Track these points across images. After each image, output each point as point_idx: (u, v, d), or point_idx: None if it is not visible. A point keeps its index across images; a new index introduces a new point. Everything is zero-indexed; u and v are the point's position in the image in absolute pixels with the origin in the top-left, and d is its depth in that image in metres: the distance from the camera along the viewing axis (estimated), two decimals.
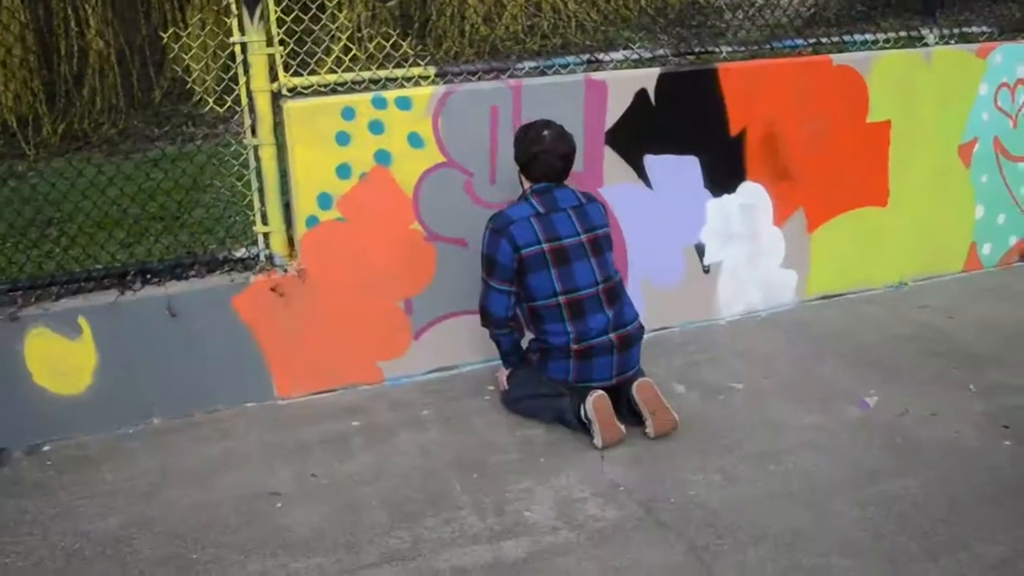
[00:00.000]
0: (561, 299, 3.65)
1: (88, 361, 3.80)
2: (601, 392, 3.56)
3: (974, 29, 5.19)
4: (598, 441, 3.53)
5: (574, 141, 3.79)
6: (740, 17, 7.68)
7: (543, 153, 3.71)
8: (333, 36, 4.05)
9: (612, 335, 3.66)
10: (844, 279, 4.99)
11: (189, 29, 5.36)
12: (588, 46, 7.19)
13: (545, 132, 3.72)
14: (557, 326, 3.67)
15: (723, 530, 3.07)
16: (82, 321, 3.76)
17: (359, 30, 6.54)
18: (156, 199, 4.59)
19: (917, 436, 3.60)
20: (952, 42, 5.00)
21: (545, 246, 3.66)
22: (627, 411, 3.67)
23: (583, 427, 3.60)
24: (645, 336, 4.47)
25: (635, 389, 3.61)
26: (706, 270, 4.66)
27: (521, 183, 3.86)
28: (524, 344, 3.90)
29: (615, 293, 3.75)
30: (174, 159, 4.38)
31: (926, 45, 4.93)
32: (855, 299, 4.96)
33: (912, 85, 4.84)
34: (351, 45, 4.03)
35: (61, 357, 3.76)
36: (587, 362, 3.64)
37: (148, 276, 3.93)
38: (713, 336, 4.58)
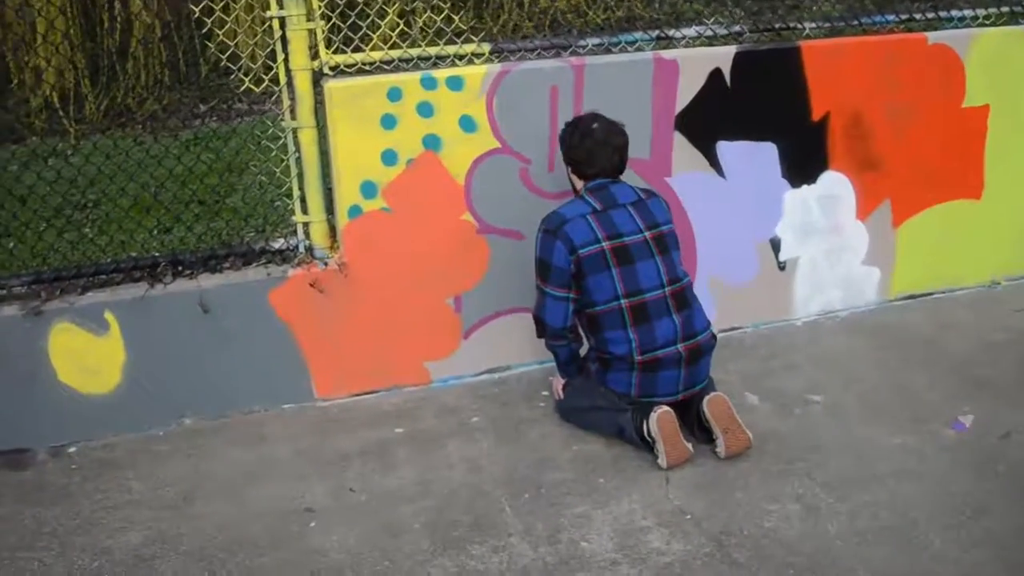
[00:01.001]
0: (624, 303, 3.31)
1: (116, 358, 3.56)
2: (666, 408, 3.23)
3: None
4: (663, 461, 3.21)
5: (626, 133, 3.45)
6: None
7: (597, 147, 3.39)
8: (379, 10, 3.72)
9: (680, 346, 3.32)
10: (931, 278, 4.56)
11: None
12: (654, 20, 6.80)
13: (595, 125, 3.42)
14: (618, 333, 3.32)
15: (803, 571, 2.73)
16: (109, 316, 3.51)
17: (408, 3, 6.23)
18: (191, 183, 4.34)
19: (1021, 464, 3.21)
20: None
21: (605, 245, 3.32)
22: (696, 427, 3.34)
23: (646, 445, 3.27)
24: None
25: (706, 404, 3.27)
26: (781, 267, 4.28)
27: (572, 184, 3.55)
28: (582, 352, 3.57)
29: (684, 298, 3.40)
30: (215, 137, 4.13)
31: None
32: (943, 300, 4.54)
33: (1014, 66, 4.38)
34: (398, 20, 3.70)
35: (87, 354, 3.53)
36: (651, 375, 3.31)
37: (180, 268, 3.67)
38: (788, 339, 4.21)
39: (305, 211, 3.73)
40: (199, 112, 6.04)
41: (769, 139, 4.10)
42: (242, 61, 3.62)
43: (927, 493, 3.08)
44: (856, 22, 4.27)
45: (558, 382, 3.65)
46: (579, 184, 3.47)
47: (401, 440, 3.53)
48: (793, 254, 4.28)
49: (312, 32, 3.54)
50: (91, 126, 5.75)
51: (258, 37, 3.61)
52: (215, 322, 3.62)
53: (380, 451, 3.46)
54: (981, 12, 4.39)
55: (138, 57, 6.11)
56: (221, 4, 3.53)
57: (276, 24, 3.53)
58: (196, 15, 3.53)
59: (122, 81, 6.11)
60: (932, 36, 4.22)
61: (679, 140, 3.97)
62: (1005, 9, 4.43)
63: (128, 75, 6.13)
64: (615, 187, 3.42)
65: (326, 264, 3.69)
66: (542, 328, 3.47)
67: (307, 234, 3.76)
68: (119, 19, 6.08)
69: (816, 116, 4.12)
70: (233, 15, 3.57)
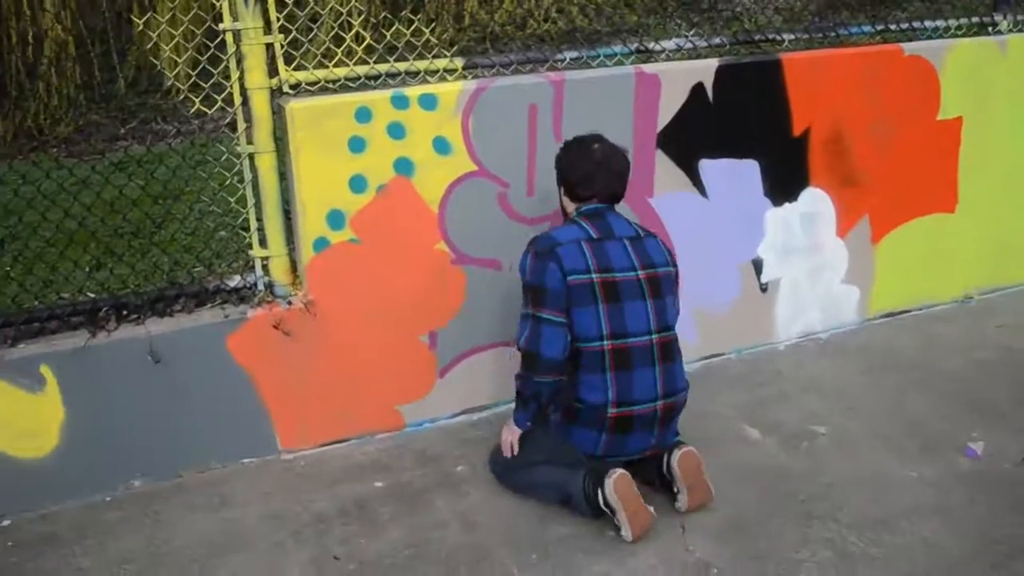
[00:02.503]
0: (607, 344, 2.96)
1: (54, 418, 3.13)
2: (622, 472, 2.87)
3: None
4: (627, 534, 2.86)
5: (628, 160, 3.17)
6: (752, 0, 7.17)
7: (595, 169, 3.08)
8: (343, 22, 3.40)
9: (659, 403, 2.99)
10: (909, 294, 4.46)
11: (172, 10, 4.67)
12: (595, 31, 6.62)
13: (596, 145, 3.11)
14: (596, 377, 2.97)
15: None
16: (45, 370, 3.09)
17: (355, 16, 5.91)
18: (121, 209, 3.91)
19: None
20: None
21: (595, 277, 2.98)
22: (657, 478, 3.05)
23: (594, 513, 2.92)
24: (697, 365, 3.97)
25: (677, 460, 2.97)
26: (763, 288, 4.10)
27: (563, 208, 3.23)
28: None
29: (670, 350, 3.07)
30: (142, 162, 3.71)
31: (999, 32, 4.40)
32: (922, 316, 4.44)
33: (986, 77, 4.31)
34: (364, 33, 3.38)
35: (21, 414, 3.09)
36: (622, 436, 2.97)
37: (124, 312, 3.27)
38: (774, 364, 4.02)
39: (264, 245, 3.38)
40: (119, 134, 5.57)
41: (751, 156, 3.92)
42: (189, 78, 3.24)
43: (957, 530, 2.90)
44: (834, 33, 4.12)
45: (511, 433, 3.17)
46: (571, 207, 3.17)
47: (382, 496, 3.19)
48: (775, 275, 4.11)
49: (270, 47, 3.20)
50: None
51: (188, 49, 3.21)
52: (167, 372, 3.23)
53: (361, 510, 3.12)
54: (953, 23, 4.30)
55: (49, 76, 5.62)
56: (168, 16, 3.16)
57: (230, 38, 3.17)
58: (111, 26, 3.15)
59: (32, 101, 5.61)
60: (908, 47, 4.11)
61: (661, 159, 3.75)
62: (975, 19, 4.35)
63: (38, 96, 5.64)
64: (612, 217, 3.12)
65: (290, 303, 3.34)
66: (535, 362, 2.98)
67: (266, 270, 3.40)
68: (28, 35, 5.59)
69: (797, 131, 3.96)
70: (181, 29, 3.18)
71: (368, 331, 3.45)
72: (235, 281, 3.41)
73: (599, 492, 2.86)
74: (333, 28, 3.39)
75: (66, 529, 3.07)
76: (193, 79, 3.20)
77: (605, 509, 2.87)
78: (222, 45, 3.17)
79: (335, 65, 3.32)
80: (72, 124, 5.50)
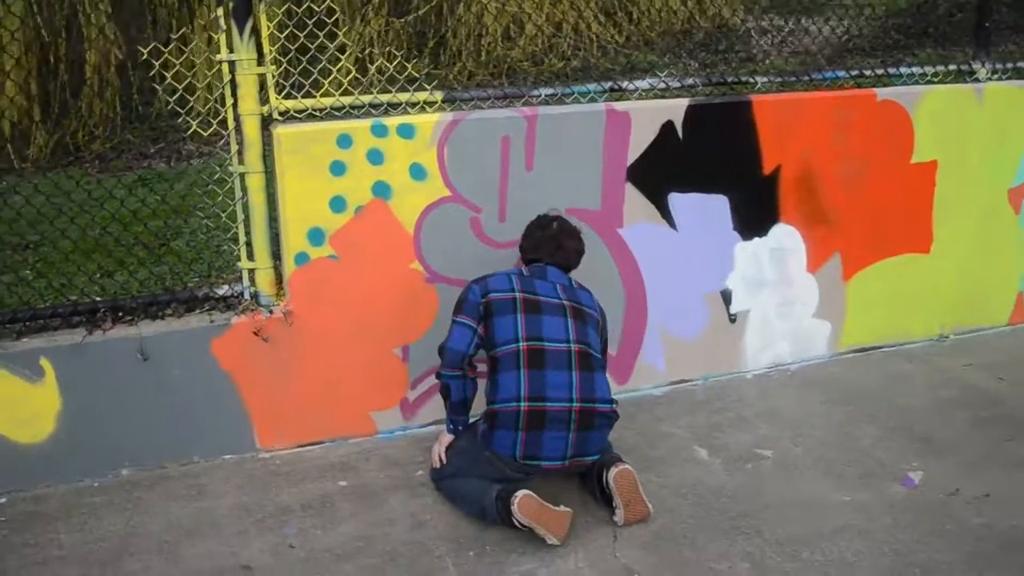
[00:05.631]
0: (522, 345, 3.18)
1: (51, 406, 3.44)
2: (524, 493, 3.06)
3: None
4: (552, 540, 3.05)
5: (583, 241, 3.53)
6: (769, 42, 7.36)
7: (546, 239, 3.47)
8: (332, 57, 3.69)
9: (574, 405, 3.13)
10: (881, 331, 4.59)
11: (195, 42, 5.03)
12: (609, 69, 6.85)
13: (555, 224, 3.50)
14: (510, 375, 3.15)
15: None
16: (44, 362, 3.40)
17: (368, 47, 6.22)
18: (134, 226, 4.25)
19: (970, 522, 3.20)
20: (1005, 77, 4.60)
21: (518, 295, 3.29)
22: (597, 492, 3.25)
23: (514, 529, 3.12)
24: (663, 390, 4.14)
25: (613, 477, 3.17)
26: (732, 319, 4.28)
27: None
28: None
29: (590, 362, 3.23)
30: (161, 179, 4.05)
31: (976, 80, 4.54)
32: (892, 353, 4.57)
33: (961, 123, 4.45)
34: (350, 67, 3.66)
35: (21, 401, 3.40)
36: (537, 434, 3.11)
37: (120, 314, 3.57)
38: (738, 392, 4.19)
39: (251, 257, 3.66)
40: (148, 153, 5.95)
41: (721, 191, 4.11)
42: (190, 104, 3.56)
43: (875, 552, 3.04)
44: (807, 77, 4.31)
45: (442, 442, 3.42)
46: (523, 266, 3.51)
47: (344, 494, 3.44)
48: (744, 307, 4.28)
49: (262, 77, 3.51)
50: (37, 165, 5.63)
51: (207, 79, 3.54)
52: (155, 370, 3.52)
53: (322, 505, 3.37)
54: (929, 69, 4.46)
55: (91, 96, 6.02)
56: (171, 47, 3.48)
57: (226, 68, 3.48)
58: (143, 57, 3.48)
59: (73, 118, 6.02)
60: (881, 92, 4.28)
61: (631, 191, 3.96)
62: (953, 67, 4.50)
63: (80, 112, 6.04)
64: (552, 269, 3.42)
65: (271, 312, 3.62)
66: (442, 354, 3.30)
67: (253, 281, 3.69)
68: (77, 54, 6.01)
69: (767, 169, 4.15)
70: (183, 58, 3.50)
71: (345, 341, 3.70)
72: (223, 290, 3.70)
73: (510, 517, 3.06)
74: (321, 61, 3.67)
75: (54, 509, 3.36)
76: (203, 105, 3.52)
77: (520, 527, 3.07)
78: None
79: (322, 94, 3.61)
80: (107, 142, 5.88)
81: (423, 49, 6.87)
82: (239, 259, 3.68)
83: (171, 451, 3.62)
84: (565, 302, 3.31)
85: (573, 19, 7.24)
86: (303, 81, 3.61)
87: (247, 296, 3.69)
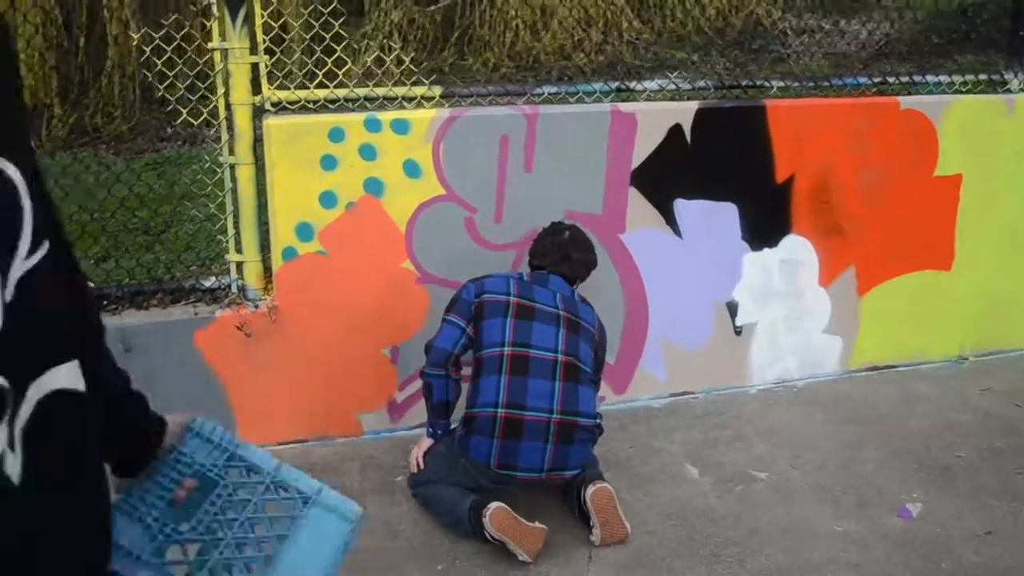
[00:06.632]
0: (507, 350, 3.09)
1: None
2: (496, 506, 2.97)
3: None
4: (523, 557, 2.95)
5: (594, 254, 3.45)
6: (804, 42, 7.14)
7: (553, 247, 3.38)
8: (327, 47, 3.59)
9: (554, 416, 3.02)
10: (896, 349, 4.41)
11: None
12: (637, 65, 6.70)
13: (567, 233, 3.41)
14: (491, 379, 3.05)
15: None
16: None
17: (386, 38, 6.13)
18: (139, 211, 4.21)
19: (967, 560, 3.03)
20: None
21: (513, 299, 3.18)
22: (576, 509, 3.14)
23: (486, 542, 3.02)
24: (663, 402, 4.02)
25: (591, 495, 3.05)
26: (738, 331, 4.12)
27: None
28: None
29: (577, 374, 3.11)
30: (172, 162, 4.00)
31: (1008, 91, 4.33)
32: (907, 373, 4.38)
33: (990, 136, 4.24)
34: (345, 57, 3.57)
35: None
36: (514, 443, 2.99)
37: (105, 303, 3.52)
38: (740, 407, 4.04)
39: (240, 250, 3.59)
40: (165, 135, 5.92)
41: (729, 199, 3.96)
42: (201, 91, 3.49)
43: None
44: (828, 82, 4.14)
45: (421, 447, 3.33)
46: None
47: None
48: (751, 319, 4.13)
49: (255, 66, 3.43)
50: (55, 144, 5.63)
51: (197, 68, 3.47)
52: (137, 361, 3.45)
53: None
54: (958, 79, 4.26)
55: (112, 77, 6.00)
56: (161, 33, 3.41)
57: (217, 57, 3.41)
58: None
59: (93, 99, 6.00)
60: (904, 101, 4.10)
61: (635, 196, 3.83)
62: (983, 77, 4.30)
63: (101, 93, 6.03)
64: (555, 278, 3.31)
65: (256, 306, 3.55)
66: (428, 352, 3.20)
67: (240, 274, 3.62)
68: (98, 35, 5.99)
69: (780, 178, 3.99)
70: (173, 44, 3.43)
71: (332, 340, 3.62)
72: (210, 282, 3.64)
73: (482, 528, 2.96)
74: (316, 52, 3.58)
75: None
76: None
77: (493, 541, 2.97)
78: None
79: (316, 86, 3.52)
80: (125, 123, 5.86)
81: (447, 41, 6.78)
82: (227, 251, 3.61)
83: None
84: (561, 312, 3.19)
85: (605, 13, 7.09)
86: (296, 72, 3.52)
87: (234, 289, 3.62)
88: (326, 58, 3.60)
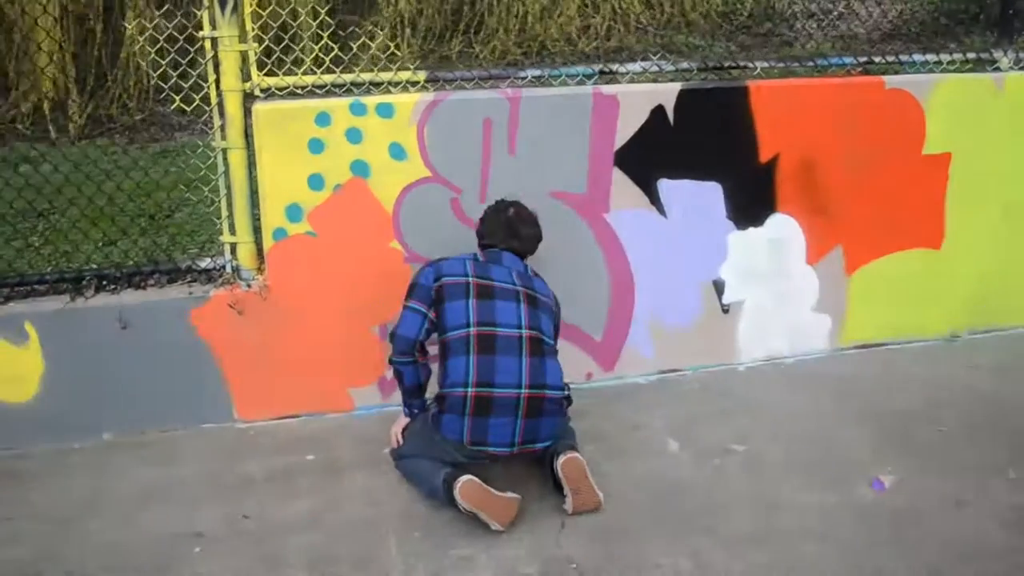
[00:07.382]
0: (473, 331, 3.18)
1: (35, 369, 3.56)
2: (466, 479, 3.07)
3: None
4: (495, 526, 3.05)
5: (539, 227, 3.53)
6: (812, 26, 7.14)
7: (499, 225, 3.48)
8: (314, 34, 3.70)
9: (523, 391, 3.13)
10: (886, 327, 4.44)
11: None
12: (644, 51, 6.74)
13: (511, 209, 3.50)
14: (460, 360, 3.15)
15: None
16: (28, 326, 3.52)
17: (395, 26, 6.23)
18: (140, 198, 4.36)
19: (935, 530, 3.09)
20: None
21: (471, 279, 3.28)
22: (551, 480, 3.24)
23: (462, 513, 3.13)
24: (651, 379, 4.09)
25: (561, 464, 3.15)
26: (725, 309, 4.19)
27: None
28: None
29: (541, 348, 3.23)
30: (181, 152, 4.14)
31: (998, 69, 4.34)
32: (897, 351, 4.42)
33: (979, 114, 4.25)
34: (333, 44, 3.68)
35: (6, 363, 3.54)
36: (484, 420, 3.11)
37: (104, 283, 3.67)
38: (727, 384, 4.11)
39: (233, 231, 3.72)
40: (182, 124, 6.07)
41: (714, 179, 4.02)
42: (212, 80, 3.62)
43: (828, 555, 2.96)
44: (812, 63, 4.17)
45: (399, 424, 3.49)
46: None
47: (309, 468, 3.48)
48: (737, 297, 4.19)
49: (244, 54, 3.54)
50: (70, 136, 5.80)
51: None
52: (135, 338, 3.61)
53: (285, 478, 3.42)
54: (945, 58, 4.28)
55: (127, 68, 6.16)
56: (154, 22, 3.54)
57: (208, 45, 3.53)
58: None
59: (110, 89, 6.17)
60: (891, 80, 4.12)
61: (618, 176, 3.90)
62: (971, 55, 4.31)
63: (117, 83, 6.19)
64: (507, 255, 3.41)
65: (249, 285, 3.67)
66: (393, 341, 3.30)
67: (234, 254, 3.74)
68: (113, 28, 6.15)
69: (764, 157, 4.04)
70: (165, 34, 3.56)
71: (322, 317, 3.74)
72: (206, 262, 3.77)
73: (454, 501, 3.07)
74: (303, 39, 3.69)
75: (33, 467, 3.49)
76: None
77: (465, 513, 3.08)
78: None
79: (303, 72, 3.64)
80: (139, 113, 6.02)
81: (456, 28, 6.86)
82: (221, 233, 3.74)
83: (151, 419, 3.71)
84: (519, 288, 3.30)
85: None
86: (284, 59, 3.63)
87: (229, 269, 3.75)
88: (332, 43, 3.70)
